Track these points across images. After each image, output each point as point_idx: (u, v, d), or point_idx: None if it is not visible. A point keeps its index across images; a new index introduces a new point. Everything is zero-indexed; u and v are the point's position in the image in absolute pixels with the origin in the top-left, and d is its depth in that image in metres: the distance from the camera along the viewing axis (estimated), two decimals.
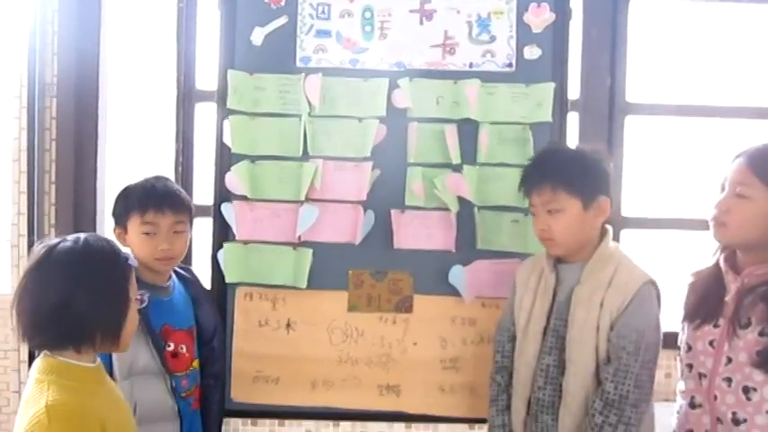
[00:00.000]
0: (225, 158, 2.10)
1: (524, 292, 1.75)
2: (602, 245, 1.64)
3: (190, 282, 1.87)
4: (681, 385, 1.62)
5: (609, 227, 1.69)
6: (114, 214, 1.76)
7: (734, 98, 2.40)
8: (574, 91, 2.24)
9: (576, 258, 1.66)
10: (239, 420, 2.38)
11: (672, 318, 1.66)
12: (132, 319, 1.32)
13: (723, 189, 1.49)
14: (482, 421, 2.18)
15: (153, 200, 1.71)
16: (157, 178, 1.79)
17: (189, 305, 1.83)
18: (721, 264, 1.52)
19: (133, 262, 1.34)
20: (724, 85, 2.44)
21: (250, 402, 2.13)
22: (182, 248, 1.77)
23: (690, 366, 1.53)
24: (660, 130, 2.43)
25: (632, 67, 2.35)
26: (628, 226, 2.25)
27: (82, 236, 1.29)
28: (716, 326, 1.48)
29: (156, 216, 1.70)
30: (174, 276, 1.80)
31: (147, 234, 1.70)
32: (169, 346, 1.71)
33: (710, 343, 1.48)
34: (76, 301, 1.21)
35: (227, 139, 2.08)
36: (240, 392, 2.13)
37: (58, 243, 1.27)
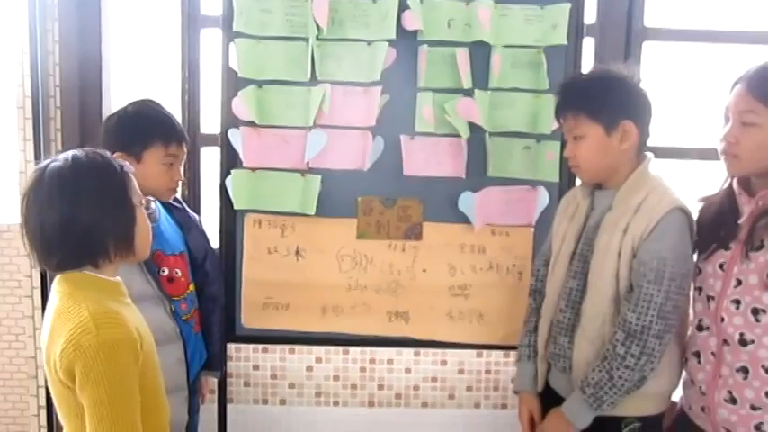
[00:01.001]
0: (231, 84, 2.05)
1: (562, 219, 1.74)
2: (637, 170, 1.57)
3: (176, 209, 1.87)
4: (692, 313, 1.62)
5: (650, 154, 1.61)
6: (126, 142, 1.69)
7: (756, 23, 2.32)
8: (590, 15, 2.17)
9: (611, 185, 1.61)
10: (251, 346, 2.44)
11: None
12: (142, 224, 1.32)
13: (727, 120, 1.43)
14: (489, 347, 2.21)
15: (176, 132, 1.74)
16: (158, 105, 1.76)
17: (177, 231, 1.84)
18: (735, 187, 1.48)
19: (129, 169, 1.32)
20: (745, 9, 2.36)
21: (261, 328, 2.15)
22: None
23: (699, 290, 1.52)
24: (679, 57, 2.36)
25: None
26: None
27: (72, 152, 1.28)
28: (727, 249, 1.46)
29: (178, 148, 1.74)
30: (157, 203, 1.79)
31: (168, 165, 1.72)
32: (163, 271, 1.72)
33: (720, 266, 1.46)
34: (79, 216, 1.21)
35: (233, 64, 2.03)
36: (251, 318, 2.14)
37: (50, 162, 1.26)
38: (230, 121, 2.06)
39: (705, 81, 2.39)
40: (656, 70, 2.29)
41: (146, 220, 1.34)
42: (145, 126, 1.71)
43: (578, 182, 1.76)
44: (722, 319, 1.44)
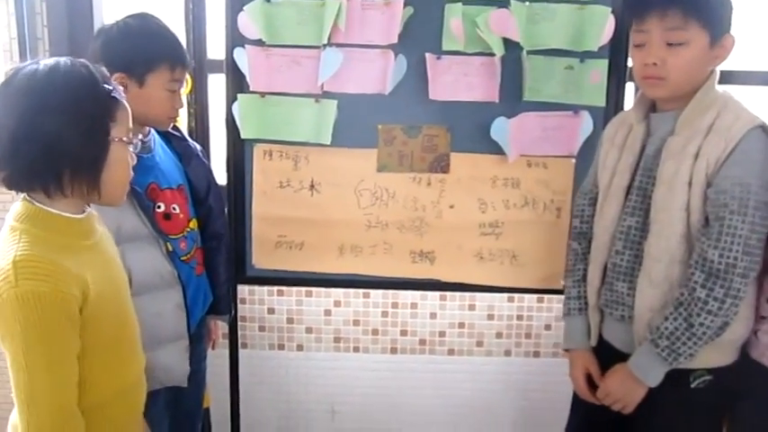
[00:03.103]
0: None
1: (610, 149, 1.53)
2: (703, 88, 1.35)
3: (174, 138, 1.69)
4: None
5: (716, 69, 1.39)
6: (127, 62, 1.48)
7: None
8: None
9: (674, 106, 1.39)
10: (265, 289, 2.30)
11: None
12: (118, 164, 1.13)
13: None
14: (523, 291, 2.03)
15: (183, 54, 1.55)
16: (161, 21, 1.56)
17: (176, 162, 1.66)
18: None
19: (120, 96, 1.14)
20: None
21: (273, 269, 1.99)
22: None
23: None
24: None
25: None
26: None
27: (54, 60, 1.10)
28: None
29: (182, 73, 1.56)
30: (153, 132, 1.61)
31: (171, 92, 1.53)
32: (159, 206, 1.54)
33: None
34: (38, 128, 1.04)
35: None
36: (262, 258, 1.98)
37: (25, 66, 1.09)
38: (236, 40, 1.86)
39: None
40: None
41: (125, 160, 1.15)
42: (150, 44, 1.50)
43: (628, 106, 1.54)
44: None
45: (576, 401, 1.64)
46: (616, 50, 1.79)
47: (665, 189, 1.36)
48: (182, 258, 1.59)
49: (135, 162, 1.20)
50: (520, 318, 2.30)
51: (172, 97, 1.54)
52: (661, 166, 1.37)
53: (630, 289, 1.43)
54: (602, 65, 1.80)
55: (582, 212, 1.63)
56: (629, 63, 1.61)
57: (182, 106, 1.59)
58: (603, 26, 1.77)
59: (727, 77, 1.91)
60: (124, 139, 1.14)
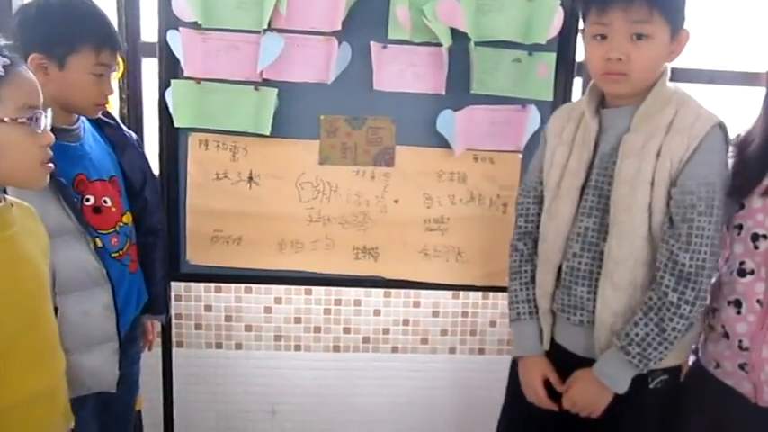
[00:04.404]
0: None
1: (557, 145, 1.45)
2: (658, 84, 1.32)
3: (108, 126, 1.57)
4: None
5: (667, 64, 1.35)
6: (46, 41, 1.35)
7: None
8: None
9: (627, 102, 1.35)
10: (201, 286, 2.20)
11: None
12: (12, 147, 1.03)
13: None
14: (468, 288, 1.99)
15: (111, 36, 1.42)
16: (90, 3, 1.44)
17: (108, 152, 1.55)
18: None
19: (5, 65, 1.02)
20: None
21: (209, 265, 1.89)
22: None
23: (739, 228, 1.29)
24: None
25: None
26: None
27: None
28: None
29: (111, 56, 1.43)
30: (83, 120, 1.49)
31: (97, 76, 1.40)
32: (88, 199, 1.43)
33: None
34: None
35: None
36: (197, 254, 1.88)
37: None
38: (170, 22, 1.75)
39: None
40: None
41: (21, 143, 1.05)
42: (73, 23, 1.37)
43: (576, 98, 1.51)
44: None
45: (513, 403, 1.59)
46: (564, 44, 1.76)
47: (626, 189, 1.31)
48: (113, 255, 1.47)
49: (48, 142, 1.09)
50: (465, 315, 2.26)
51: (98, 82, 1.41)
52: (619, 165, 1.33)
53: (590, 293, 1.38)
54: (550, 58, 1.76)
55: (526, 211, 1.54)
56: (579, 57, 1.56)
57: (111, 93, 1.47)
58: (552, 19, 1.74)
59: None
60: (15, 119, 1.03)
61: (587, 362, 1.40)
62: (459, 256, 1.89)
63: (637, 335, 1.31)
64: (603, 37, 1.29)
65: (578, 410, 1.40)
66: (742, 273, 1.29)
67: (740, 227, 1.30)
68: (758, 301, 1.25)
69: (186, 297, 2.21)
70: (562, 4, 1.73)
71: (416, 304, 2.25)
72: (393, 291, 2.18)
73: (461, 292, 2.19)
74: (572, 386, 1.41)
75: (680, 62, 1.86)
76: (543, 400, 1.47)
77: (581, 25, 1.40)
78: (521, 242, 1.55)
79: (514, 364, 1.57)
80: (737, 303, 1.29)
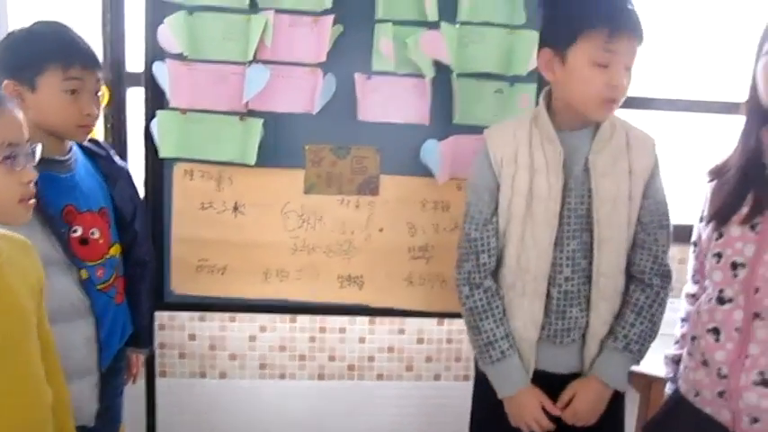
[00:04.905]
0: (157, 9, 1.75)
1: (516, 171, 1.41)
2: None
3: (100, 157, 1.57)
4: (690, 288, 1.43)
5: None
6: (15, 66, 1.36)
7: None
8: None
9: (580, 125, 1.40)
10: (185, 315, 2.19)
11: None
12: None
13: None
14: (453, 316, 1.99)
15: (78, 52, 1.39)
16: (61, 25, 1.44)
17: (100, 183, 1.54)
18: (765, 138, 1.27)
19: None
20: None
21: (194, 294, 1.89)
22: (99, 115, 1.48)
23: (718, 256, 1.31)
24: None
25: None
26: None
27: None
28: (759, 210, 1.25)
29: (83, 71, 1.39)
30: (76, 149, 1.49)
31: (72, 93, 1.38)
32: (75, 230, 1.42)
33: (752, 228, 1.25)
34: None
35: None
36: (182, 283, 1.88)
37: None
38: (156, 53, 1.77)
39: (688, 28, 2.19)
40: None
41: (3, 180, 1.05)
42: (35, 45, 1.37)
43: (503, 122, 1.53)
44: (756, 290, 1.23)
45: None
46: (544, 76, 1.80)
47: (609, 206, 1.39)
48: (98, 287, 1.47)
49: (28, 179, 1.09)
50: (449, 341, 2.27)
51: (74, 101, 1.38)
52: (597, 185, 1.38)
53: (582, 311, 1.43)
54: (531, 89, 1.80)
55: (488, 246, 1.46)
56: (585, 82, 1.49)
57: (92, 112, 1.43)
58: (532, 51, 1.77)
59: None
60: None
61: (570, 378, 1.45)
62: (444, 284, 1.90)
63: (635, 334, 1.43)
64: (604, 65, 1.31)
65: (581, 421, 1.46)
66: (721, 300, 1.30)
67: (719, 255, 1.32)
68: (737, 329, 1.27)
69: (170, 326, 2.19)
70: None
71: (401, 331, 2.25)
72: (378, 318, 2.19)
73: (446, 319, 2.20)
74: (575, 399, 1.45)
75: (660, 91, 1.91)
76: (548, 425, 1.47)
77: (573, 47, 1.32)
78: (487, 279, 1.48)
79: (481, 394, 1.59)
80: (716, 331, 1.31)
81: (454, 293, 1.89)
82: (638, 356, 1.46)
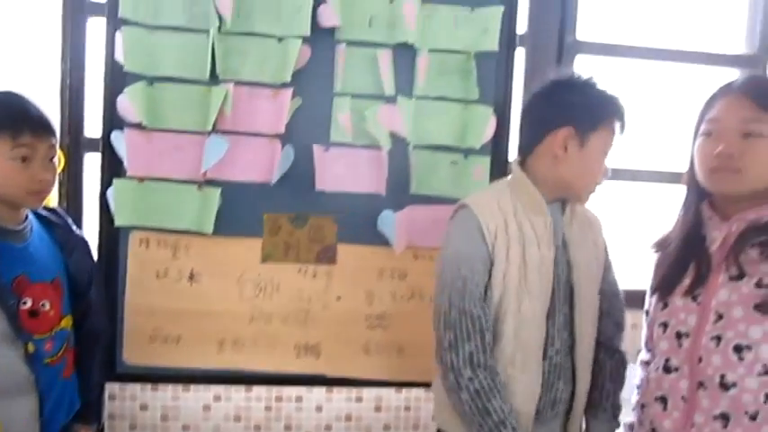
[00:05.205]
0: (117, 79, 1.77)
1: (508, 242, 1.38)
2: None
3: (57, 225, 1.55)
4: (644, 355, 1.46)
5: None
6: None
7: (686, 42, 2.25)
8: (522, 24, 2.02)
9: (555, 199, 1.46)
10: (138, 386, 2.12)
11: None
12: None
13: (711, 134, 1.28)
14: (410, 385, 1.99)
15: (28, 119, 1.38)
16: (13, 95, 1.44)
17: (55, 253, 1.52)
18: (705, 211, 1.34)
19: None
20: (677, 28, 2.29)
21: (147, 365, 1.85)
22: (54, 181, 1.45)
23: (665, 325, 1.35)
24: (610, 72, 2.25)
25: (583, 2, 2.16)
26: None
27: None
28: (700, 280, 1.30)
29: (33, 139, 1.37)
30: (32, 218, 1.48)
31: (22, 160, 1.37)
32: (25, 302, 1.39)
33: (694, 298, 1.30)
34: None
35: (119, 56, 1.75)
36: (135, 354, 1.84)
37: None
38: (115, 121, 1.78)
39: (637, 99, 2.29)
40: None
41: None
42: None
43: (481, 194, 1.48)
44: (700, 360, 1.27)
45: None
46: (497, 148, 1.86)
47: (585, 276, 1.46)
48: (46, 361, 1.42)
49: None
50: (407, 409, 2.24)
51: (24, 168, 1.37)
52: (575, 256, 1.45)
53: (566, 383, 1.47)
54: (485, 161, 1.86)
55: (487, 323, 1.37)
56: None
57: (44, 178, 1.40)
58: (486, 125, 1.85)
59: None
60: None
61: None
62: (401, 352, 1.90)
63: (616, 395, 1.53)
64: (607, 154, 1.44)
65: None
66: (667, 369, 1.34)
67: (665, 324, 1.36)
68: (683, 397, 1.30)
69: (121, 396, 2.12)
70: (494, 112, 1.84)
71: (359, 399, 2.22)
72: (335, 388, 2.16)
73: (404, 389, 2.18)
74: None
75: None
76: None
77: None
78: (490, 357, 1.38)
79: None
80: (664, 400, 1.34)
81: (411, 361, 1.91)
82: (618, 422, 1.53)
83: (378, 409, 2.23)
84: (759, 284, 1.22)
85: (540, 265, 1.40)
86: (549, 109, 1.41)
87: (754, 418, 1.21)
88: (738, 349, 1.23)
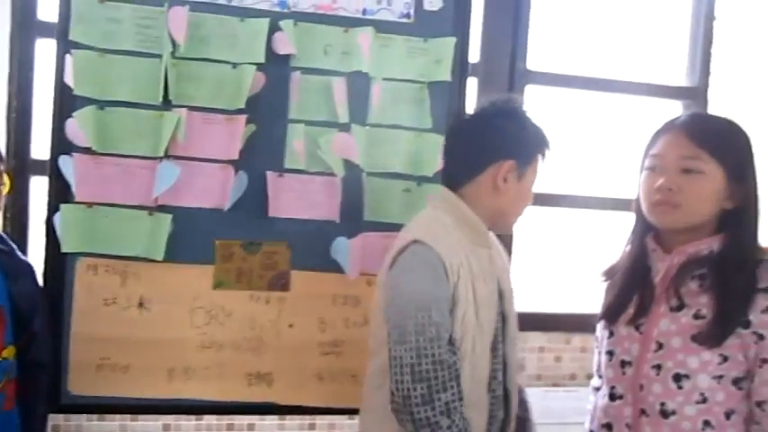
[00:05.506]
0: (66, 102, 1.74)
1: (465, 278, 1.35)
2: None
3: (2, 252, 1.52)
4: (595, 381, 1.49)
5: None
6: None
7: (634, 74, 2.33)
8: (474, 54, 2.07)
9: None
10: (83, 417, 2.06)
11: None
12: None
13: (655, 169, 1.33)
14: None
15: None
16: None
17: None
18: (649, 243, 1.38)
19: None
20: (626, 60, 2.37)
21: (93, 395, 1.80)
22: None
23: (610, 354, 1.39)
24: (560, 102, 2.31)
25: (534, 33, 2.23)
26: None
27: None
28: (643, 310, 1.34)
29: None
30: None
31: None
32: None
33: (637, 328, 1.34)
34: None
35: (68, 79, 1.72)
36: (81, 384, 1.78)
37: None
38: (63, 146, 1.74)
39: (584, 128, 2.37)
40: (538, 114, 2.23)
41: None
42: None
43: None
44: (641, 387, 1.31)
45: None
46: None
47: (511, 304, 1.50)
48: None
49: None
50: None
51: None
52: (503, 284, 1.47)
53: (505, 412, 1.48)
54: (437, 190, 1.87)
55: (458, 368, 1.32)
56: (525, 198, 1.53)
57: None
58: (438, 153, 1.84)
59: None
60: None
61: None
62: (355, 380, 1.89)
63: None
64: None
65: None
66: (612, 397, 1.37)
67: (611, 353, 1.40)
68: (627, 424, 1.33)
69: (65, 428, 2.05)
70: None
71: (312, 426, 2.20)
72: (288, 417, 2.13)
73: (357, 416, 2.17)
74: None
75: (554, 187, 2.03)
76: None
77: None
78: (463, 407, 1.31)
79: None
80: (609, 427, 1.37)
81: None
82: None
83: None
84: (696, 316, 1.27)
85: (489, 300, 1.41)
86: (493, 139, 1.42)
87: None
88: (677, 378, 1.27)
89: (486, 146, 1.42)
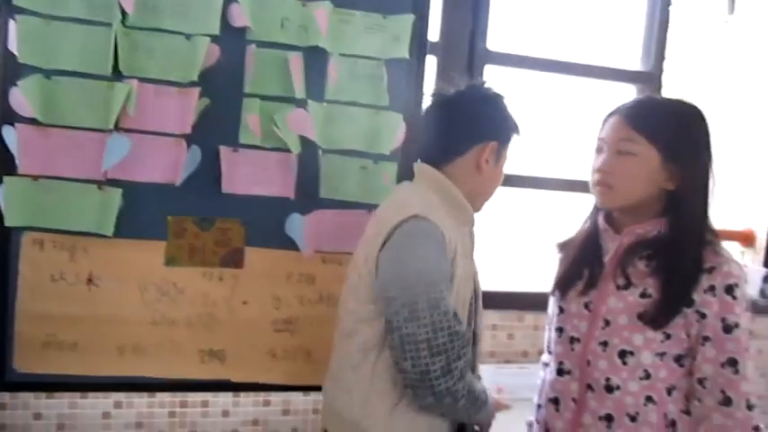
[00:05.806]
0: (11, 71, 1.67)
1: (460, 254, 1.37)
2: None
3: None
4: (545, 357, 1.52)
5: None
6: None
7: (594, 58, 2.36)
8: (434, 33, 2.06)
9: None
10: (30, 395, 2.01)
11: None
12: None
13: (600, 151, 1.37)
14: (318, 389, 1.98)
15: None
16: None
17: None
18: (600, 223, 1.42)
19: None
20: (585, 43, 2.39)
21: (40, 373, 1.76)
22: None
23: (560, 331, 1.41)
24: (519, 83, 2.32)
25: (495, 13, 2.22)
26: None
27: None
28: (592, 288, 1.37)
29: None
30: None
31: None
32: None
33: (586, 305, 1.37)
34: None
35: (12, 46, 1.65)
36: (27, 361, 1.75)
37: None
38: (6, 116, 1.68)
39: (541, 110, 2.38)
40: None
41: None
42: None
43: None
44: (588, 363, 1.34)
45: None
46: (406, 155, 1.88)
47: (478, 279, 1.48)
48: None
49: None
50: (316, 411, 2.23)
51: None
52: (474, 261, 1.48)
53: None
54: (393, 168, 1.87)
55: (467, 338, 1.36)
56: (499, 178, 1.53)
57: None
58: (396, 131, 1.86)
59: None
60: None
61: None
62: (309, 357, 1.90)
63: None
64: None
65: None
66: (560, 372, 1.40)
67: (561, 329, 1.43)
68: (573, 399, 1.37)
69: (12, 405, 2.01)
70: (404, 119, 1.87)
71: (266, 403, 2.19)
72: (242, 394, 2.12)
73: (312, 392, 2.18)
74: None
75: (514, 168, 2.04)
76: None
77: None
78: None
79: None
80: (556, 401, 1.40)
81: (320, 366, 1.90)
82: None
83: (286, 412, 2.22)
84: (643, 295, 1.30)
85: (470, 277, 1.41)
86: (478, 122, 1.42)
87: (634, 419, 1.29)
88: (622, 354, 1.30)
89: (474, 127, 1.42)
